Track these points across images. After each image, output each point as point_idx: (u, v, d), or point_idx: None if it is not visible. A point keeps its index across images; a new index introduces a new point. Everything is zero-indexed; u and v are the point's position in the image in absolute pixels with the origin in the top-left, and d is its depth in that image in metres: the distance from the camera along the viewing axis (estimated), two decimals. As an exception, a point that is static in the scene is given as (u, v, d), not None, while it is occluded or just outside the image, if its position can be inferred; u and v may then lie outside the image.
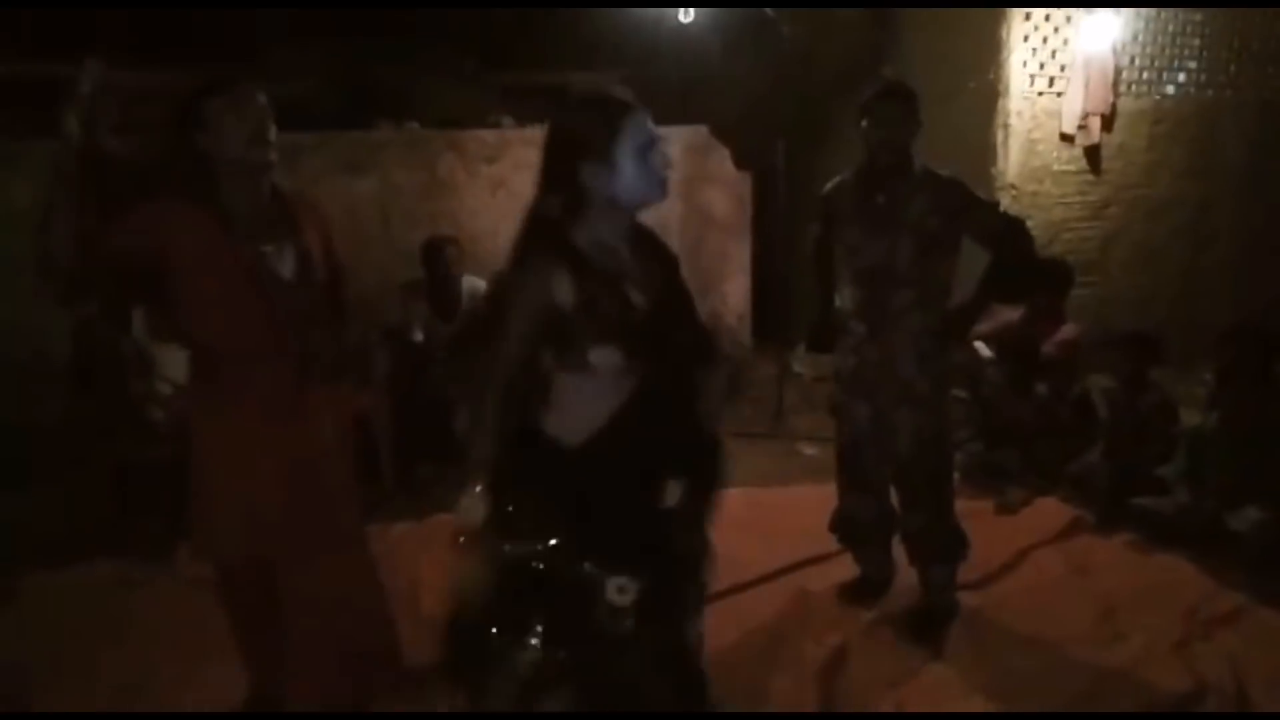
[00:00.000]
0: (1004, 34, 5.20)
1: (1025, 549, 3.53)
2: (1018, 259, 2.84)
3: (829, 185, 2.99)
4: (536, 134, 6.01)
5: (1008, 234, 2.79)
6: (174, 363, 4.03)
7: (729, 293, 6.09)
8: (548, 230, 1.70)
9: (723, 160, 5.95)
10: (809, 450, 4.71)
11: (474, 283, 4.84)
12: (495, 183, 5.66)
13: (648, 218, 1.81)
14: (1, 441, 4.61)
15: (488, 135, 5.70)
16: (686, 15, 5.08)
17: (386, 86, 5.92)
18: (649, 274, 1.77)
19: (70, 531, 3.88)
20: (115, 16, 5.26)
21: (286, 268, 2.20)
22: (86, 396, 4.08)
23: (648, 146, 1.70)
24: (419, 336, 4.69)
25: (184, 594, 3.39)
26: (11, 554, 3.65)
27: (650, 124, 1.72)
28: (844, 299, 2.94)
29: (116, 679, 2.85)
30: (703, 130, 5.92)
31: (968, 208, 2.75)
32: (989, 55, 5.25)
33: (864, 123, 2.75)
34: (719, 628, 2.97)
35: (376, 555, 2.56)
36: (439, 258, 4.72)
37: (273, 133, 2.15)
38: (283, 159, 2.17)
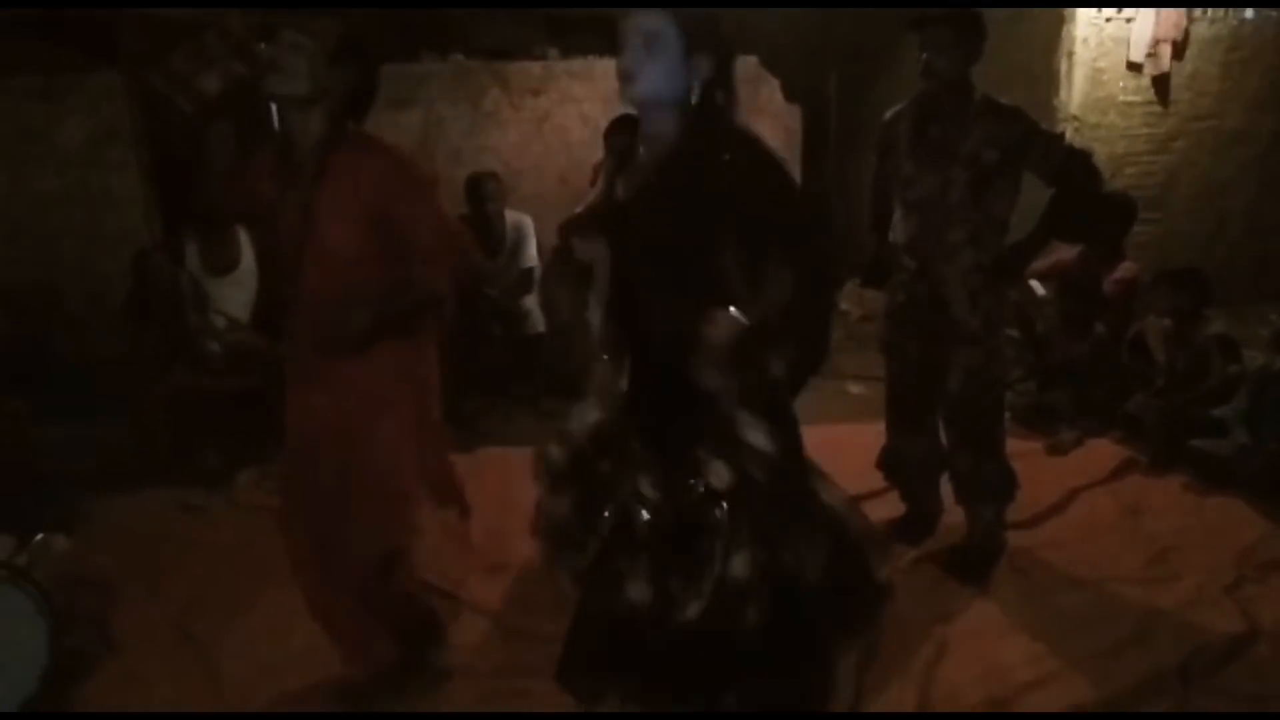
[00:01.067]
0: (1072, -45, 4.95)
1: (1076, 489, 3.48)
2: (1080, 196, 2.74)
3: (888, 114, 2.90)
4: (581, 66, 5.92)
5: (1071, 169, 2.68)
6: (228, 297, 4.12)
7: (776, 229, 5.98)
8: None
9: (773, 92, 5.80)
10: (855, 389, 4.67)
11: (518, 217, 4.83)
12: (540, 116, 5.59)
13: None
14: (65, 375, 4.77)
15: (533, 67, 5.61)
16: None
17: (432, 17, 5.85)
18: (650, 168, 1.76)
19: (132, 461, 4.02)
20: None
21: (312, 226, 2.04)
22: (145, 330, 4.17)
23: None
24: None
25: (241, 520, 3.51)
26: (79, 482, 3.80)
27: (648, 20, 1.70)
28: (897, 233, 2.87)
29: (179, 597, 2.98)
30: (752, 61, 5.76)
31: (1028, 140, 2.64)
32: (1055, -21, 5.02)
33: (916, 46, 2.65)
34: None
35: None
36: (482, 193, 4.71)
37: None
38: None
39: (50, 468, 3.92)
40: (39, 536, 2.83)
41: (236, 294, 4.13)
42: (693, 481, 1.74)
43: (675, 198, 1.71)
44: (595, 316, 1.88)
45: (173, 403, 3.97)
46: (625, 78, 1.71)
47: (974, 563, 2.94)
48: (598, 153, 4.98)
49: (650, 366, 1.80)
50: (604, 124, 5.56)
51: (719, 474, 1.73)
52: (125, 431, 4.18)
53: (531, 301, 4.79)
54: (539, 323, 4.78)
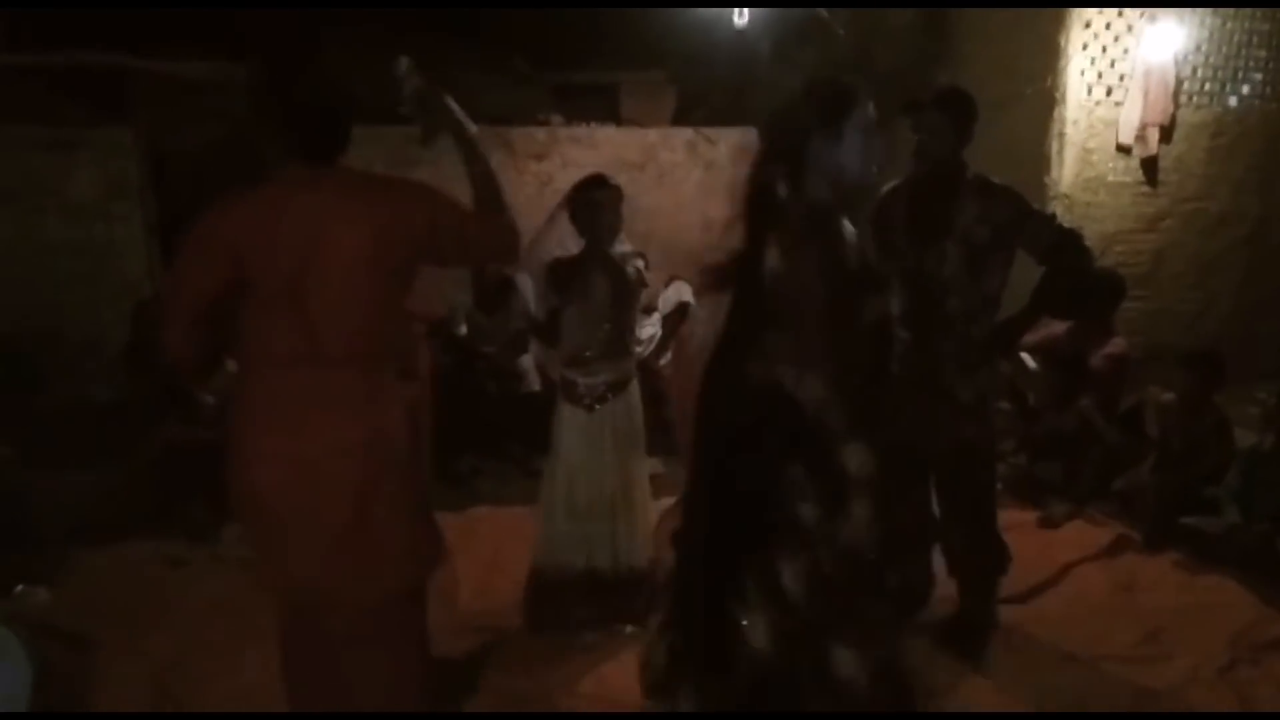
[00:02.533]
0: (1063, 41, 5.11)
1: (1069, 564, 3.47)
2: (1071, 273, 2.79)
3: (883, 189, 2.96)
4: (584, 133, 6.05)
5: (1062, 247, 2.74)
6: (225, 348, 4.13)
7: (772, 296, 6.05)
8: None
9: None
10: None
11: (516, 276, 4.87)
12: (543, 180, 5.70)
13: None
14: (59, 421, 4.76)
15: (537, 133, 5.74)
16: (741, 18, 5.07)
17: (439, 83, 5.98)
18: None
19: (119, 510, 3.98)
20: (171, 10, 5.37)
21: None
22: (141, 380, 4.18)
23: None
24: (462, 330, 4.75)
25: (226, 574, 3.47)
26: (64, 532, 3.76)
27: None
28: (891, 306, 2.91)
29: (160, 655, 2.92)
30: (752, 132, 5.90)
31: (1021, 218, 2.70)
32: (1047, 63, 5.17)
33: (911, 129, 2.72)
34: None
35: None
36: (485, 253, 4.76)
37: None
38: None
39: (36, 516, 3.88)
40: (19, 588, 2.79)
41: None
42: None
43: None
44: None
45: (164, 453, 3.96)
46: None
47: (968, 636, 2.92)
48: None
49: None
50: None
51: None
52: (116, 480, 4.15)
53: (528, 360, 4.82)
54: (535, 381, 4.79)
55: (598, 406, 2.96)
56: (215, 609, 3.20)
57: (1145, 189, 5.40)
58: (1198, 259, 5.65)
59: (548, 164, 5.64)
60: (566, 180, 5.74)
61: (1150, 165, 5.35)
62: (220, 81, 5.83)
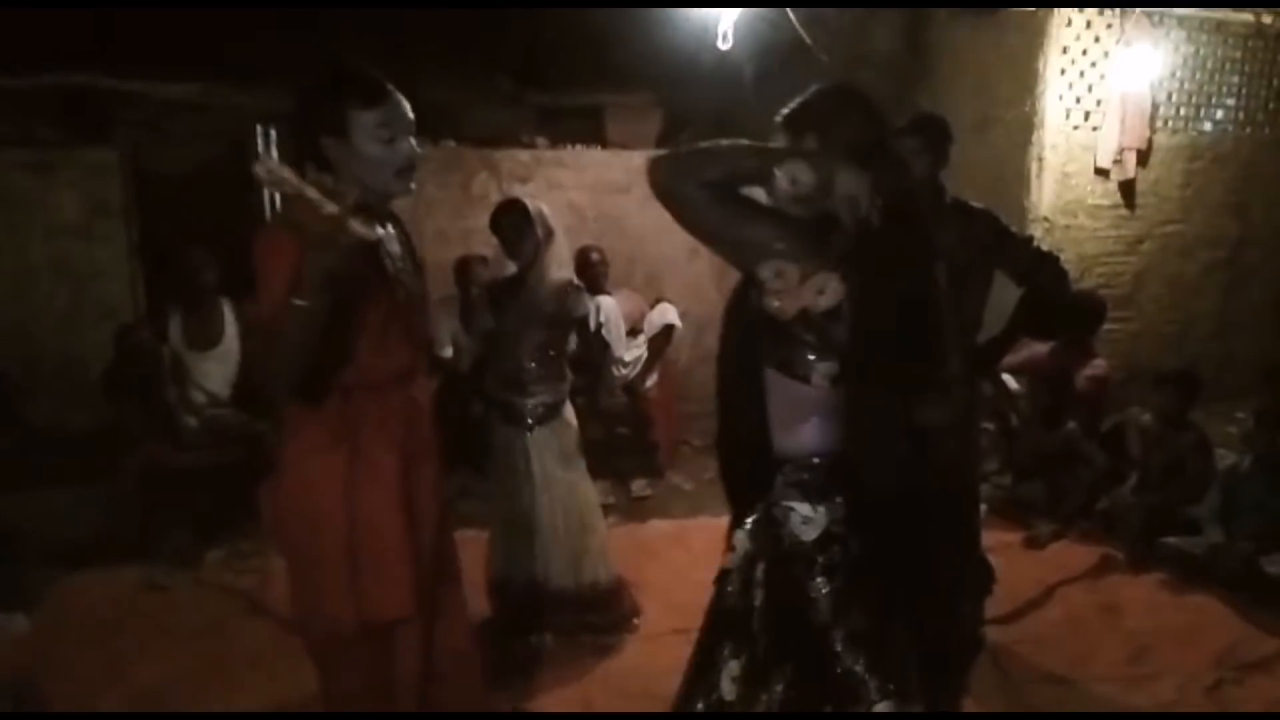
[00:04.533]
0: (1041, 66, 5.19)
1: (1054, 585, 3.49)
2: (1051, 294, 2.83)
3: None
4: (569, 155, 6.04)
5: (1041, 269, 2.78)
6: (209, 373, 4.11)
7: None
8: None
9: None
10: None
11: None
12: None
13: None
14: (37, 444, 4.71)
15: (522, 155, 5.75)
16: (725, 42, 5.11)
17: (425, 103, 6.01)
18: None
19: (100, 535, 3.94)
20: (138, 28, 5.35)
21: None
22: (123, 403, 4.15)
23: None
24: (448, 353, 4.73)
25: (208, 600, 3.43)
26: (43, 557, 3.71)
27: None
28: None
29: (142, 683, 2.88)
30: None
31: (1000, 241, 2.74)
32: (1025, 88, 5.24)
33: None
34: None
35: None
36: (470, 275, 4.77)
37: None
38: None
39: (14, 541, 3.83)
40: (-3, 615, 2.76)
41: (218, 370, 4.13)
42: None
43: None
44: None
45: (146, 477, 3.92)
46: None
47: (953, 657, 2.91)
48: (582, 238, 5.09)
49: None
50: (591, 212, 5.75)
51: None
52: (96, 504, 4.11)
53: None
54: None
55: (536, 428, 2.98)
56: (198, 635, 3.17)
57: (1123, 212, 5.48)
58: (1177, 281, 5.73)
59: (532, 186, 5.65)
60: (550, 203, 5.74)
61: (1128, 189, 5.42)
62: (204, 102, 5.83)
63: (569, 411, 3.10)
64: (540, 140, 5.95)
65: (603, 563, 3.13)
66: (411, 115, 1.86)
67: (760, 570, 1.64)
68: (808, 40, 5.26)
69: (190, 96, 5.78)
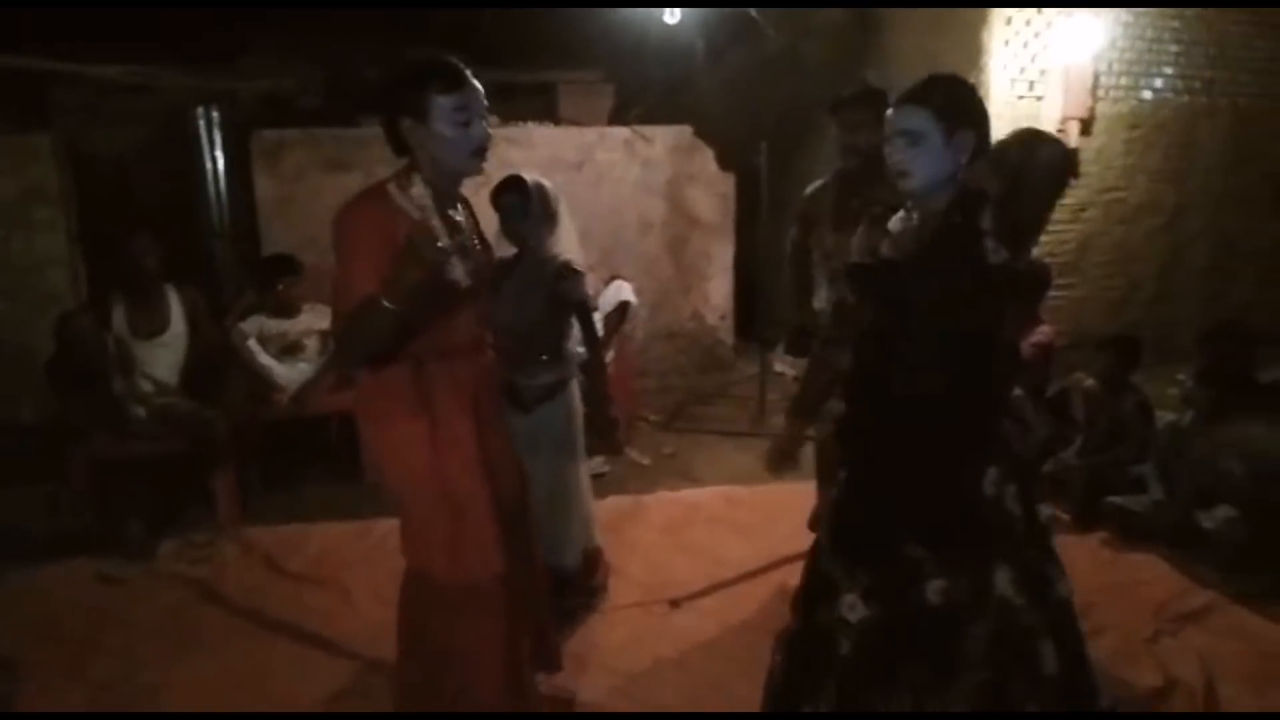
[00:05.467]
0: (985, 38, 5.26)
1: (1001, 547, 3.57)
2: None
3: (809, 189, 3.01)
4: (520, 133, 6.00)
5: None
6: (156, 360, 4.04)
7: (711, 292, 6.12)
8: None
9: (706, 160, 5.99)
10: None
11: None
12: (480, 182, 5.62)
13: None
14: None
15: (473, 133, 5.70)
16: (673, 17, 5.10)
17: (371, 83, 5.91)
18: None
19: (50, 529, 3.87)
20: (90, 11, 5.20)
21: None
22: (68, 394, 4.05)
23: None
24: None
25: (163, 592, 3.40)
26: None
27: None
28: (820, 302, 2.97)
29: (98, 678, 2.84)
30: (687, 130, 5.95)
31: (946, 211, 2.78)
32: (970, 59, 5.31)
33: (834, 126, 2.79)
34: (700, 625, 3.02)
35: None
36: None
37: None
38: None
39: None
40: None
41: (165, 357, 4.05)
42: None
43: (946, 263, 1.77)
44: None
45: (96, 468, 3.85)
46: (899, 175, 1.77)
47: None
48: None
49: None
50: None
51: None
52: (45, 497, 4.03)
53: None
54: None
55: (535, 408, 2.96)
56: (154, 628, 3.13)
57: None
58: (1120, 247, 5.87)
59: (485, 165, 5.61)
60: (503, 181, 5.73)
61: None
62: (139, 83, 5.68)
63: (570, 393, 3.03)
64: (492, 118, 5.89)
65: (574, 546, 3.06)
66: (485, 99, 1.99)
67: None
68: (754, 15, 5.26)
69: (127, 78, 5.63)
